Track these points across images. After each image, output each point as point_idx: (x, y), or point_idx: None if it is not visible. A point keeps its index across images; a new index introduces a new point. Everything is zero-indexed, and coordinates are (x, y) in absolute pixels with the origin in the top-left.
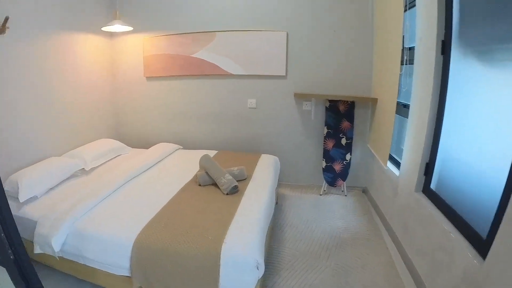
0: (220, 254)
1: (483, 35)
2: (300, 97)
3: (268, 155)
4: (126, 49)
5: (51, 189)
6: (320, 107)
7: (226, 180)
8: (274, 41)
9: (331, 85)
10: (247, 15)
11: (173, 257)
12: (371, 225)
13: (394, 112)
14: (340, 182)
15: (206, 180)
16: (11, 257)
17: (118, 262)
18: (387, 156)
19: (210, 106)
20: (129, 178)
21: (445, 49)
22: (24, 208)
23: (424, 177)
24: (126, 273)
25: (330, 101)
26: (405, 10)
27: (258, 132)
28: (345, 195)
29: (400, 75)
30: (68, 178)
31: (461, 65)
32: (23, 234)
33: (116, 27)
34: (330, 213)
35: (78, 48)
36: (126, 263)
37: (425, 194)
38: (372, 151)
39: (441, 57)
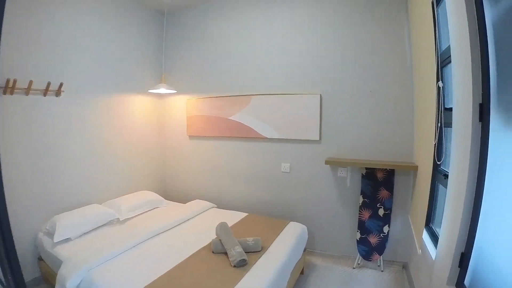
0: None
1: None
2: (333, 164)
3: (296, 223)
4: (172, 109)
5: (86, 233)
6: (356, 173)
7: (235, 252)
8: (307, 104)
9: (368, 149)
10: (281, 78)
11: None
12: None
13: (429, 185)
14: (376, 256)
15: (219, 248)
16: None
17: None
18: (421, 238)
19: (245, 168)
20: (152, 234)
21: (483, 114)
22: (57, 247)
23: (458, 269)
24: None
25: (366, 168)
26: (444, 66)
27: (291, 197)
28: (382, 271)
29: (438, 139)
30: (103, 225)
31: (502, 135)
32: (54, 269)
33: (162, 90)
34: None
35: (129, 107)
36: None
37: None
38: (412, 226)
39: (479, 124)
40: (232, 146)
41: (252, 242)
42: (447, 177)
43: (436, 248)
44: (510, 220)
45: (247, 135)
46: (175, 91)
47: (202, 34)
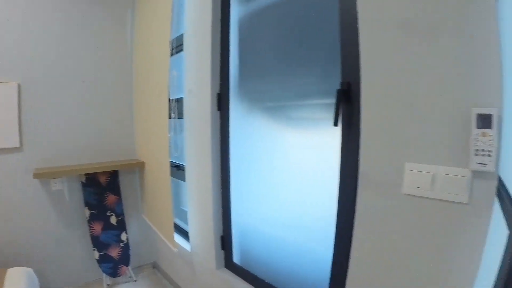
0: None
1: (269, 89)
2: (45, 176)
3: (17, 269)
4: None
5: None
6: (75, 182)
7: None
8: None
9: (86, 151)
10: None
11: None
12: None
13: (169, 180)
14: (123, 269)
15: None
16: None
17: None
18: (173, 236)
19: None
20: None
21: (221, 103)
22: None
23: (223, 251)
24: None
25: (86, 174)
26: (171, 55)
27: None
28: (135, 280)
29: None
30: None
31: (244, 121)
32: None
33: None
34: None
35: None
36: None
37: (230, 270)
38: (151, 224)
39: (217, 113)
40: None
41: None
42: (179, 169)
43: (188, 240)
44: (261, 194)
45: None
46: None
47: None
